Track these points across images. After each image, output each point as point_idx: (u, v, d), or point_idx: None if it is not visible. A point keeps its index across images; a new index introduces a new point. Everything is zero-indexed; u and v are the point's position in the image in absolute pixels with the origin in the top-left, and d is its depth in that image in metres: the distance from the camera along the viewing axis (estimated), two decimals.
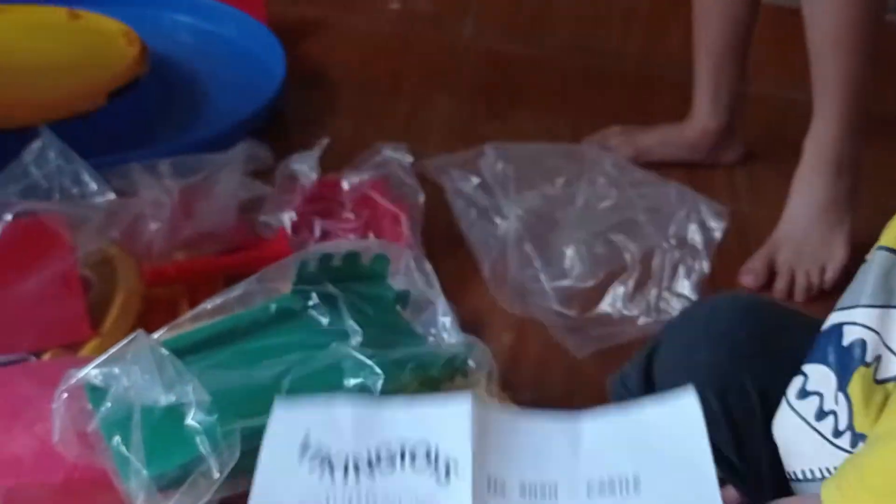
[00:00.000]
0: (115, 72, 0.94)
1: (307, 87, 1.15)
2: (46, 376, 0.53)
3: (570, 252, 0.77)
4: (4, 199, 0.64)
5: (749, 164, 1.08)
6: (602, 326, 0.75)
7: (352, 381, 0.51)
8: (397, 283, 0.63)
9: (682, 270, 0.75)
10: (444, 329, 0.60)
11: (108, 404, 0.47)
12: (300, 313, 0.58)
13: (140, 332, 0.50)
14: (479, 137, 1.07)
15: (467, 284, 0.80)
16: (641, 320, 0.75)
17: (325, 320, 0.57)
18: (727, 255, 0.85)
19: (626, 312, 0.75)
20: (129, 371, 0.49)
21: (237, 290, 0.57)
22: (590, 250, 0.77)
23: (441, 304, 0.61)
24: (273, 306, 0.58)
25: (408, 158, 0.85)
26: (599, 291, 0.77)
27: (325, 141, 0.82)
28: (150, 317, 0.69)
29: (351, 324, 0.56)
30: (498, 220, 0.78)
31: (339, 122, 1.08)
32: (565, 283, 0.76)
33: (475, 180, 0.80)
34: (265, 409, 0.48)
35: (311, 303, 0.58)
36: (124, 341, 0.50)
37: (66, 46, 1.00)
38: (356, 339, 0.55)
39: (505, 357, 0.74)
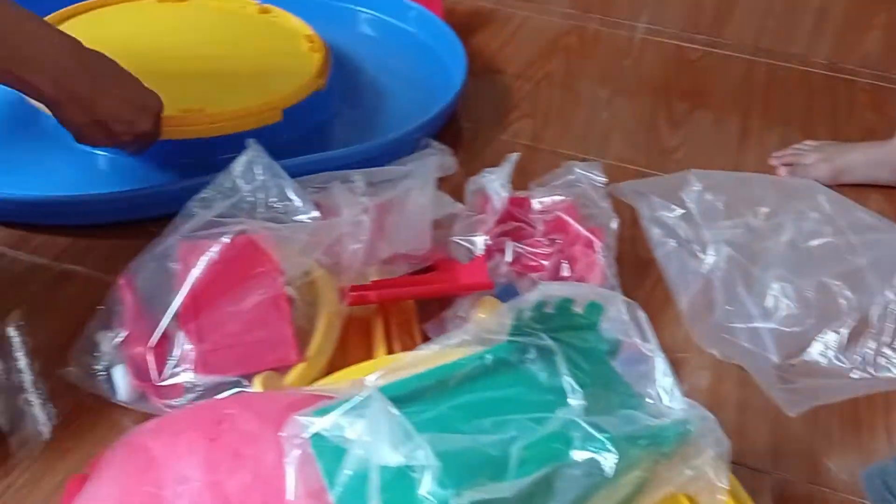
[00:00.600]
0: (296, 86, 0.92)
1: (480, 84, 1.13)
2: (267, 413, 0.54)
3: (776, 292, 0.72)
4: (218, 218, 0.65)
5: None
6: (810, 377, 0.70)
7: (581, 456, 0.49)
8: (607, 329, 0.60)
9: None
10: (664, 391, 0.57)
11: (347, 471, 0.46)
12: (516, 366, 0.56)
13: (374, 389, 0.49)
14: (661, 148, 1.02)
15: (659, 317, 0.77)
16: (855, 374, 0.70)
17: (542, 375, 0.55)
18: None
19: (837, 363, 0.70)
20: (358, 426, 0.48)
21: (454, 339, 0.56)
22: (798, 292, 0.72)
23: (660, 361, 0.58)
24: (489, 357, 0.56)
25: (601, 178, 0.82)
26: (808, 338, 0.72)
27: (515, 156, 0.79)
28: (345, 336, 0.69)
29: (569, 381, 0.54)
30: (700, 254, 0.74)
31: (514, 124, 1.06)
32: (770, 325, 0.72)
33: (678, 210, 0.76)
34: (494, 478, 0.47)
35: (527, 356, 0.56)
36: (354, 396, 0.50)
37: (249, 46, 0.98)
38: (577, 401, 0.52)
39: (701, 402, 0.70)
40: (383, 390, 0.52)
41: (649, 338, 0.60)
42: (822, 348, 0.71)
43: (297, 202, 0.69)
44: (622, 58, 1.21)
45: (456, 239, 0.75)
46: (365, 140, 0.93)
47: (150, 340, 0.63)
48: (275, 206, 0.69)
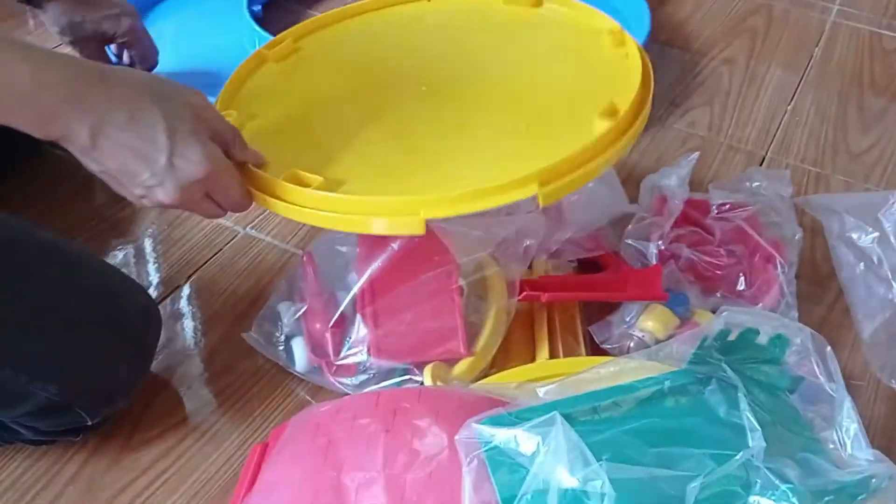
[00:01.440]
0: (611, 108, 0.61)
1: (660, 61, 1.09)
2: (440, 411, 0.55)
3: None
4: None
5: None
6: None
7: (760, 502, 0.48)
8: (790, 366, 0.58)
9: None
10: (849, 436, 0.54)
11: (525, 492, 0.47)
12: (695, 395, 0.55)
13: (556, 413, 0.49)
14: (849, 150, 0.96)
15: (834, 343, 0.73)
16: None
17: (721, 409, 0.54)
18: None
19: None
20: (535, 442, 0.49)
21: (633, 362, 0.55)
22: None
23: (846, 405, 0.55)
24: (668, 383, 0.55)
25: (788, 189, 0.78)
26: None
27: (695, 155, 0.76)
28: (509, 332, 0.69)
29: (749, 418, 0.52)
30: (893, 282, 0.69)
31: (692, 111, 1.01)
32: None
33: (873, 232, 0.71)
34: None
35: (708, 386, 0.55)
36: (532, 411, 0.50)
37: (528, 61, 0.70)
38: (757, 441, 0.51)
39: (875, 437, 0.67)
40: (558, 405, 0.52)
41: (835, 377, 0.57)
42: None
43: None
44: (811, 44, 1.14)
45: (629, 241, 0.73)
46: None
47: (330, 320, 0.66)
48: None
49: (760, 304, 0.70)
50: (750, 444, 0.51)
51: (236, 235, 0.81)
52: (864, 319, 0.71)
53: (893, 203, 0.70)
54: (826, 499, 0.48)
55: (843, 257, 0.73)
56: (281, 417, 0.65)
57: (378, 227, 0.57)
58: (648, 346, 0.65)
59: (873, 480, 0.50)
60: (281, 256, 0.79)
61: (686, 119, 1.00)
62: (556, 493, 0.47)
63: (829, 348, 0.58)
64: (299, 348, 0.66)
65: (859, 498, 0.49)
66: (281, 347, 0.68)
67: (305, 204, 0.58)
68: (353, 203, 0.57)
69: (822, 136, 0.98)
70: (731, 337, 0.57)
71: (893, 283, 0.69)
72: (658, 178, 0.77)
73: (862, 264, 0.72)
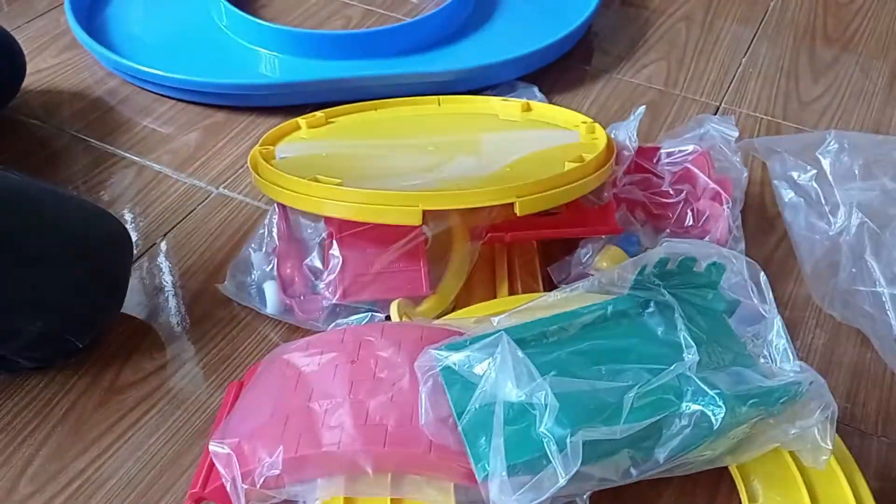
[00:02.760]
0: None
1: (619, 19, 1.13)
2: (402, 342, 0.59)
3: None
4: None
5: None
6: None
7: (691, 407, 0.52)
8: (727, 288, 0.62)
9: None
10: (778, 352, 0.59)
11: (474, 403, 0.52)
12: (635, 318, 0.59)
13: (502, 333, 0.53)
14: (800, 98, 1.00)
15: (780, 275, 0.77)
16: None
17: (659, 329, 0.58)
18: None
19: None
20: (486, 364, 0.53)
21: (578, 290, 0.59)
22: None
23: (777, 324, 0.59)
24: (610, 308, 0.59)
25: (733, 133, 0.82)
26: None
27: (642, 109, 0.80)
28: (471, 274, 0.73)
29: (685, 336, 0.57)
30: (831, 217, 0.74)
31: (650, 66, 1.05)
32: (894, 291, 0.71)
33: (811, 169, 0.75)
34: (607, 422, 0.51)
35: (647, 309, 0.59)
36: (483, 334, 0.54)
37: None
38: (691, 356, 0.55)
39: (815, 362, 0.71)
40: (509, 331, 0.56)
41: (768, 300, 0.61)
42: None
43: None
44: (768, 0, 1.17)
45: None
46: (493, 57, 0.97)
47: (299, 261, 0.70)
48: None
49: (708, 238, 0.74)
50: (685, 358, 0.55)
51: (210, 195, 0.85)
52: (805, 253, 0.75)
53: (830, 142, 0.74)
54: (751, 401, 0.52)
55: (785, 195, 0.77)
56: (256, 359, 0.69)
57: (384, 216, 0.65)
58: None
59: (795, 386, 0.54)
60: (253, 213, 0.82)
61: (644, 73, 1.04)
62: (503, 404, 0.51)
63: (762, 273, 0.63)
64: (271, 291, 0.70)
65: (781, 400, 0.53)
66: (254, 292, 0.72)
67: (322, 195, 0.66)
68: (364, 195, 0.65)
69: (775, 85, 1.02)
70: (671, 265, 0.61)
71: (831, 218, 0.73)
72: (610, 130, 0.81)
73: (802, 201, 0.76)
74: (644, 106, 0.83)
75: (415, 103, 0.91)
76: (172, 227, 0.81)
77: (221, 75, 0.96)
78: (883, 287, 0.67)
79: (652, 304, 0.59)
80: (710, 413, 0.52)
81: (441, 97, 0.92)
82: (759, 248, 0.80)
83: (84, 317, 0.66)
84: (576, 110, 0.89)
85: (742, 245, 0.76)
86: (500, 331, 0.55)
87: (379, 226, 0.67)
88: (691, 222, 0.76)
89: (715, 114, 0.97)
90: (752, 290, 0.62)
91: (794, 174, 0.76)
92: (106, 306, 0.68)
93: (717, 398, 0.52)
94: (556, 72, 1.03)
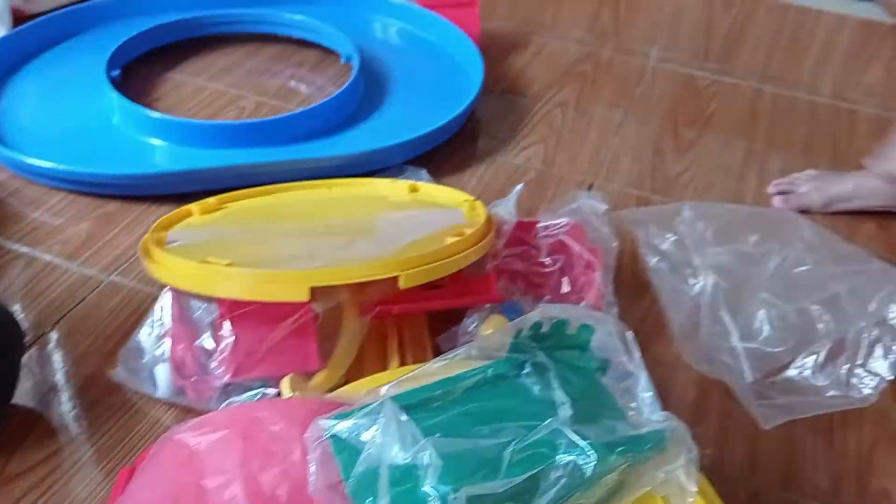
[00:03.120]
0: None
1: (500, 106, 1.21)
2: (293, 416, 0.61)
3: (761, 315, 0.79)
4: None
5: None
6: (788, 394, 0.76)
7: (565, 458, 0.55)
8: (598, 347, 0.67)
9: (879, 350, 0.75)
10: (645, 404, 0.63)
11: (360, 467, 0.54)
12: (513, 379, 0.63)
13: (387, 400, 0.56)
14: (666, 173, 1.09)
15: (654, 336, 0.83)
16: (830, 392, 0.76)
17: (535, 389, 0.62)
18: None
19: (814, 382, 0.76)
20: (372, 429, 0.55)
21: (459, 355, 0.63)
22: (781, 316, 0.78)
23: (643, 377, 0.64)
24: (490, 371, 0.63)
25: (602, 206, 0.89)
26: (788, 358, 0.78)
27: (520, 187, 0.86)
28: (363, 347, 0.76)
29: (560, 394, 0.61)
30: (691, 279, 0.80)
31: (529, 148, 1.12)
32: (753, 345, 0.78)
33: (670, 237, 0.82)
34: (488, 478, 0.54)
35: (524, 371, 0.63)
36: (370, 403, 0.57)
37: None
38: (565, 411, 0.59)
39: (687, 415, 0.77)
40: (396, 399, 0.59)
41: (634, 356, 0.66)
42: (801, 368, 0.77)
43: None
44: (634, 85, 1.28)
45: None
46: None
47: (191, 342, 0.71)
48: None
49: (583, 304, 0.79)
50: (559, 413, 0.59)
51: (101, 284, 0.85)
52: (673, 314, 0.82)
53: (685, 211, 0.81)
54: (619, 449, 0.56)
55: (651, 262, 0.84)
56: (148, 443, 0.70)
57: (273, 294, 0.68)
58: None
59: (660, 433, 0.58)
60: (146, 299, 0.83)
61: (524, 155, 1.11)
62: (389, 467, 0.54)
63: (629, 333, 0.68)
64: (162, 374, 0.71)
65: (648, 447, 0.58)
66: (145, 377, 0.72)
67: (212, 276, 0.68)
68: (253, 274, 0.68)
69: (642, 163, 1.10)
70: (545, 328, 0.65)
71: (691, 280, 0.80)
72: (491, 207, 0.86)
73: (666, 266, 0.82)
74: (522, 184, 0.89)
75: (307, 187, 0.95)
76: (63, 317, 0.81)
77: (114, 167, 0.98)
78: (737, 341, 0.74)
79: (528, 365, 0.63)
80: (582, 463, 0.55)
81: (332, 181, 0.97)
82: (633, 310, 0.85)
83: None
84: (461, 190, 0.95)
85: (615, 309, 0.81)
86: (385, 398, 0.58)
87: (269, 304, 0.70)
88: (568, 289, 0.81)
89: (589, 189, 1.04)
90: (621, 349, 0.67)
91: (657, 242, 0.83)
92: None
93: (589, 448, 0.55)
94: (444, 154, 1.09)
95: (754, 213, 0.85)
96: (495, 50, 1.34)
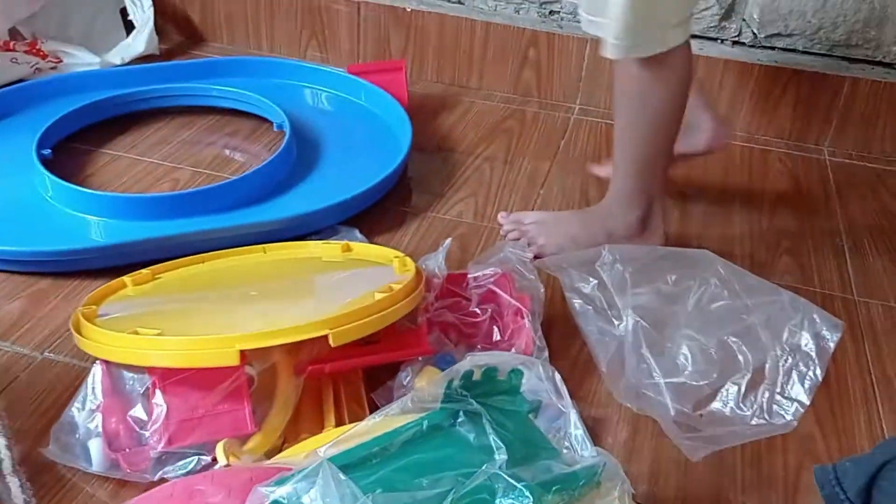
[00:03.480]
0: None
1: (432, 163, 1.24)
2: (232, 485, 0.61)
3: (684, 350, 0.82)
4: None
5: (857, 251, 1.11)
6: (714, 426, 0.79)
7: (504, 502, 0.57)
8: (529, 390, 0.69)
9: (795, 376, 0.79)
10: (577, 441, 0.65)
11: None
12: (448, 429, 0.65)
13: (324, 461, 0.57)
14: None
15: (586, 378, 0.86)
16: (754, 421, 0.79)
17: (471, 436, 0.64)
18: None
19: (738, 412, 0.79)
20: (312, 491, 0.56)
21: (394, 409, 0.65)
22: (703, 350, 0.82)
23: (573, 416, 0.67)
24: (425, 423, 0.64)
25: (528, 255, 0.92)
26: (712, 390, 0.81)
27: (448, 241, 0.89)
28: (299, 406, 0.77)
29: (495, 439, 0.62)
30: (615, 320, 0.83)
31: (459, 203, 1.16)
32: (678, 380, 0.81)
33: (593, 281, 0.85)
34: None
35: (458, 420, 0.65)
36: (307, 466, 0.58)
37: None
38: (501, 456, 0.61)
39: (621, 452, 0.79)
40: (334, 459, 0.60)
41: (564, 396, 0.69)
42: (725, 399, 0.80)
43: None
44: (558, 137, 1.33)
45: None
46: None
47: (123, 414, 0.71)
48: None
49: (514, 350, 0.81)
50: (496, 459, 0.61)
51: (34, 361, 0.85)
52: (600, 354, 0.84)
53: (605, 255, 0.85)
54: (555, 488, 0.58)
55: (577, 306, 0.87)
56: None
57: (203, 361, 0.68)
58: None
59: (593, 468, 0.60)
60: (80, 374, 0.83)
61: (455, 209, 1.14)
62: None
63: (557, 374, 0.70)
64: (95, 448, 0.70)
65: (581, 483, 0.59)
66: (79, 451, 0.72)
67: (141, 347, 0.69)
68: (182, 342, 0.69)
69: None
70: (476, 376, 0.67)
71: (615, 321, 0.83)
72: (421, 262, 0.89)
73: (591, 309, 0.85)
74: (451, 239, 0.92)
75: (241, 253, 0.96)
76: None
77: (45, 243, 0.98)
78: (660, 378, 0.77)
79: (462, 414, 0.65)
80: None
81: (267, 245, 0.98)
82: (564, 353, 0.88)
83: None
84: (395, 247, 0.97)
85: (546, 353, 0.84)
86: (323, 460, 0.58)
87: (202, 370, 0.70)
88: (498, 337, 0.84)
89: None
90: (551, 390, 0.69)
91: (581, 286, 0.86)
92: None
93: (525, 490, 0.57)
94: (378, 213, 1.11)
95: (671, 252, 0.89)
96: (426, 110, 1.38)
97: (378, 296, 0.76)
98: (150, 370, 0.72)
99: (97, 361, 0.75)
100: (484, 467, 0.60)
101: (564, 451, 0.65)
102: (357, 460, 0.62)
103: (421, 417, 0.65)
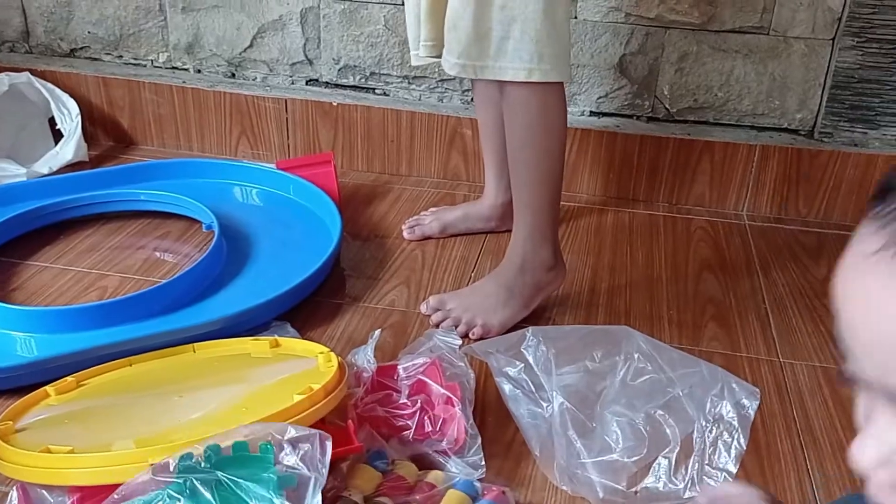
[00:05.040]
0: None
1: (368, 249, 1.26)
2: None
3: (614, 427, 0.83)
4: None
5: (780, 313, 1.14)
6: (650, 502, 0.79)
7: None
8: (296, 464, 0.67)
9: (721, 445, 0.80)
10: None
11: None
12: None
13: None
14: None
15: (520, 462, 0.86)
16: (687, 494, 0.80)
17: None
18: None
19: (671, 486, 0.80)
20: None
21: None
22: (632, 425, 0.83)
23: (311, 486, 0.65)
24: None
25: (456, 342, 0.93)
26: (644, 465, 0.82)
27: (377, 333, 0.90)
28: None
29: None
30: (543, 402, 0.84)
31: (392, 292, 1.17)
32: (611, 457, 0.81)
33: (519, 364, 0.86)
34: None
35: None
36: None
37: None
38: None
39: None
40: None
41: (324, 466, 0.67)
42: (657, 474, 0.80)
43: None
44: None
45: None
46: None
47: None
48: None
49: (446, 439, 0.81)
50: None
51: None
52: (532, 438, 0.85)
53: (529, 338, 0.86)
54: None
55: (507, 390, 0.88)
56: None
57: (116, 477, 0.66)
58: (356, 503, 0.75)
59: None
60: (1, 498, 0.80)
61: (388, 298, 1.15)
62: None
63: (329, 441, 0.68)
64: None
65: None
66: None
67: (54, 465, 0.68)
68: (94, 458, 0.68)
69: None
70: (226, 452, 0.66)
71: (542, 402, 0.84)
72: (351, 356, 0.89)
73: (520, 392, 0.86)
74: (380, 330, 0.92)
75: (170, 354, 0.95)
76: None
77: None
78: (587, 458, 0.77)
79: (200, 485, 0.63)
80: None
81: (196, 344, 0.97)
82: (498, 438, 0.88)
83: None
84: (329, 339, 0.97)
85: (479, 440, 0.84)
86: None
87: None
88: (430, 428, 0.84)
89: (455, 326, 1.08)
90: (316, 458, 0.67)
91: (509, 370, 0.87)
92: None
93: None
94: (310, 306, 1.11)
95: (593, 330, 0.91)
96: (357, 199, 1.41)
97: (297, 398, 0.75)
98: (70, 489, 0.71)
99: (14, 483, 0.73)
100: None
101: None
102: None
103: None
